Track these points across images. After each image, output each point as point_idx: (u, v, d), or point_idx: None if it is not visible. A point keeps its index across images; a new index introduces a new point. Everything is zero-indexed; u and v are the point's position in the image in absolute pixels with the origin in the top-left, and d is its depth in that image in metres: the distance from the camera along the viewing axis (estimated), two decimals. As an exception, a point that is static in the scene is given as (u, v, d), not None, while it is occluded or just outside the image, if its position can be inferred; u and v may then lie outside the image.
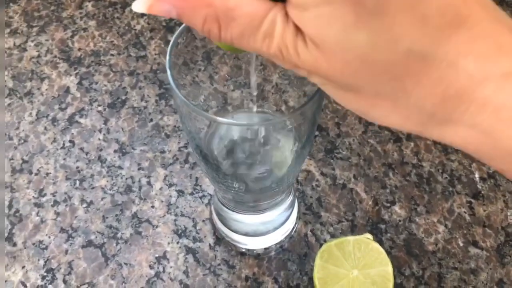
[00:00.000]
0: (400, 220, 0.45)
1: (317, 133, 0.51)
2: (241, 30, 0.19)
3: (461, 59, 0.17)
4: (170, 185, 0.47)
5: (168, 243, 0.44)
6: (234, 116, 0.39)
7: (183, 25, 0.30)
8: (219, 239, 0.44)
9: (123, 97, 0.54)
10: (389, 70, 0.18)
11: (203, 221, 0.45)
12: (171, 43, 0.29)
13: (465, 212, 0.46)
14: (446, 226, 0.45)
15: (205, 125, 0.33)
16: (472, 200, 0.46)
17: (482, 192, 0.47)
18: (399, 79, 0.18)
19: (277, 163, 0.37)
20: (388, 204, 0.46)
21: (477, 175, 0.48)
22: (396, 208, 0.46)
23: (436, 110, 0.19)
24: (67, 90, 0.54)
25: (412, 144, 0.50)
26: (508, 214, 0.45)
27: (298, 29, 0.19)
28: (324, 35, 0.18)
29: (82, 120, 0.52)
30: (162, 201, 0.46)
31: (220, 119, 0.27)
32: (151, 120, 0.52)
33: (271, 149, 0.36)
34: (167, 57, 0.28)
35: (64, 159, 0.49)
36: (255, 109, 0.35)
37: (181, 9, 0.20)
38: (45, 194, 0.47)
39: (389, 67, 0.18)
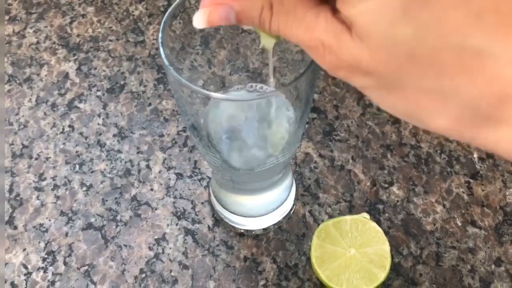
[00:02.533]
0: (398, 201, 0.45)
1: (315, 115, 0.51)
2: (287, 18, 0.20)
3: None
4: (169, 168, 0.48)
5: (167, 225, 0.44)
6: (230, 94, 0.39)
7: (177, 1, 0.31)
8: (218, 221, 0.45)
9: (122, 82, 0.54)
10: (438, 65, 0.17)
11: (202, 203, 0.46)
12: (164, 19, 0.29)
13: (463, 192, 0.46)
14: (444, 206, 0.45)
15: (200, 103, 0.33)
16: (471, 180, 0.46)
17: (481, 172, 0.47)
18: (449, 75, 0.17)
19: (273, 142, 0.37)
20: (386, 185, 0.46)
21: (475, 156, 0.48)
22: (394, 188, 0.46)
23: (493, 111, 0.17)
24: (66, 76, 0.55)
25: (411, 125, 0.50)
26: (507, 193, 0.45)
27: (343, 24, 0.19)
28: (371, 29, 0.18)
29: (81, 105, 0.52)
30: (161, 184, 0.47)
31: (213, 94, 0.27)
32: (150, 104, 0.52)
33: (267, 128, 0.36)
34: (160, 34, 0.29)
35: (64, 143, 0.50)
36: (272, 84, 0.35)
37: (239, 6, 0.22)
38: (45, 178, 0.47)
39: (437, 62, 0.17)
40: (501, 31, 0.16)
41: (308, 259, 0.42)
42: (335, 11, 0.19)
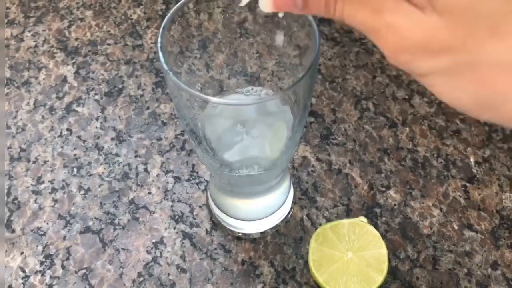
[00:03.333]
0: (395, 204, 0.45)
1: (312, 119, 0.51)
2: (353, 1, 0.20)
3: None
4: (167, 172, 0.48)
5: (165, 229, 0.45)
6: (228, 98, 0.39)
7: (176, 7, 0.31)
8: (216, 224, 0.45)
9: (120, 86, 0.54)
10: None
11: (200, 206, 0.46)
12: (163, 24, 0.29)
13: (460, 196, 0.46)
14: (441, 209, 0.45)
15: (198, 107, 0.34)
16: (467, 184, 0.47)
17: (477, 176, 0.47)
18: None
19: (270, 146, 0.37)
20: (383, 189, 0.46)
21: (472, 160, 0.48)
22: (391, 192, 0.46)
23: None
24: (64, 79, 0.55)
25: (408, 129, 0.50)
26: (503, 197, 0.46)
27: (412, 5, 0.18)
28: (454, 3, 0.17)
29: (79, 109, 0.52)
30: (159, 188, 0.47)
31: (211, 98, 0.27)
32: (148, 108, 0.52)
33: (265, 132, 0.36)
34: (159, 39, 0.29)
35: (62, 147, 0.50)
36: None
37: None
38: (43, 182, 0.47)
39: None
40: None
41: (306, 262, 0.42)
42: None
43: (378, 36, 0.19)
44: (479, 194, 0.46)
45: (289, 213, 0.45)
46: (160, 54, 0.28)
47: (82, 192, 0.47)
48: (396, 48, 0.19)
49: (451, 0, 0.17)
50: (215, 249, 0.43)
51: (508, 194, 0.46)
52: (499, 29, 0.17)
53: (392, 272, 0.42)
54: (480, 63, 0.18)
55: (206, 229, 0.44)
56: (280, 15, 0.26)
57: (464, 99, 0.19)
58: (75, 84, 0.54)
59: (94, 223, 0.45)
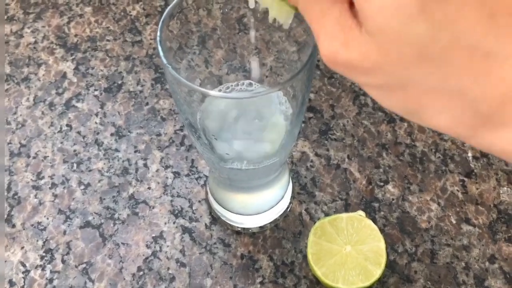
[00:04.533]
0: (393, 199, 0.46)
1: (311, 114, 0.51)
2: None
3: None
4: (166, 167, 0.48)
5: (165, 223, 0.45)
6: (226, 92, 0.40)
7: (174, 2, 0.31)
8: (215, 219, 0.45)
9: (119, 82, 0.54)
10: (447, 66, 0.17)
11: (199, 201, 0.46)
12: (162, 18, 0.30)
13: (457, 190, 0.46)
14: (439, 204, 0.45)
15: (197, 101, 0.34)
16: (465, 179, 0.47)
17: (475, 170, 0.47)
18: (457, 76, 0.17)
19: (269, 140, 0.37)
20: (382, 183, 0.47)
21: (470, 154, 0.48)
22: (390, 187, 0.46)
23: (493, 113, 0.17)
24: (64, 76, 0.55)
25: (406, 124, 0.50)
26: (501, 192, 0.46)
27: (354, 19, 0.19)
28: (385, 25, 0.17)
29: (79, 105, 0.53)
30: (158, 183, 0.47)
31: (209, 91, 0.27)
32: (147, 103, 0.52)
33: (264, 126, 0.37)
34: (158, 33, 0.29)
35: (62, 142, 0.50)
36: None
37: None
38: (43, 177, 0.48)
39: (447, 62, 0.17)
40: (510, 33, 0.16)
41: (305, 256, 0.43)
42: (352, 4, 0.19)
43: (319, 41, 0.20)
44: (477, 189, 0.46)
45: (288, 207, 0.45)
46: (159, 48, 0.28)
47: (82, 187, 0.47)
48: (333, 60, 0.19)
49: (382, 23, 0.17)
50: (215, 243, 0.44)
51: (505, 188, 0.46)
52: (427, 54, 0.17)
53: (390, 265, 0.42)
54: (408, 85, 0.19)
55: (206, 224, 0.45)
56: (285, 26, 0.26)
57: (394, 107, 0.20)
58: (75, 80, 0.54)
59: (94, 218, 0.45)
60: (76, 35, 0.58)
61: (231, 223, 0.44)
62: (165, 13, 0.30)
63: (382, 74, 0.19)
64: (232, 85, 0.39)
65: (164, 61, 0.28)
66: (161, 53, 0.28)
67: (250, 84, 0.39)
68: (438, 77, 0.18)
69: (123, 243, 0.44)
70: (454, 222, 0.44)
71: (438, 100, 0.18)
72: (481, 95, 0.17)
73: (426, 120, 0.20)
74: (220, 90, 0.39)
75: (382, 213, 0.45)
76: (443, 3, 0.16)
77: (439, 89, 0.18)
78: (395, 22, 0.17)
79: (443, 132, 0.20)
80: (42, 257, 0.43)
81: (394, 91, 0.19)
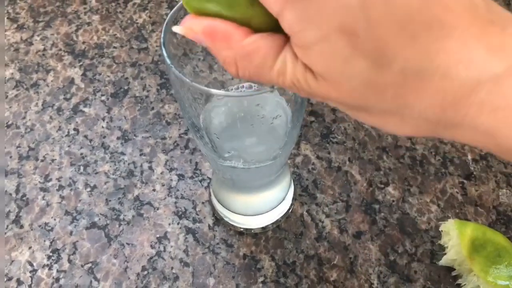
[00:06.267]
0: (393, 201, 0.46)
1: (313, 118, 0.52)
2: (257, 70, 0.22)
3: (453, 69, 0.18)
4: (171, 170, 0.49)
5: (169, 224, 0.46)
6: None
7: (177, 6, 0.32)
8: (218, 220, 0.46)
9: (126, 87, 0.55)
10: (390, 89, 0.19)
11: (203, 203, 0.47)
12: (165, 22, 0.31)
13: (457, 192, 0.47)
14: (438, 205, 0.46)
15: (201, 101, 0.35)
16: (465, 181, 0.48)
17: (474, 173, 0.48)
18: (401, 96, 0.19)
19: (269, 141, 0.38)
20: (382, 185, 0.47)
21: (469, 157, 0.49)
22: (390, 189, 0.47)
23: (440, 118, 0.19)
24: (72, 81, 0.56)
25: (406, 128, 0.51)
26: (500, 193, 0.47)
27: (306, 66, 0.20)
28: (328, 68, 0.19)
29: (86, 109, 0.54)
30: (163, 185, 0.48)
31: (212, 90, 0.28)
32: (153, 108, 0.54)
33: (264, 127, 0.38)
34: (162, 35, 0.30)
35: (69, 146, 0.51)
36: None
37: (208, 43, 0.23)
38: (50, 179, 0.49)
39: (389, 87, 0.19)
40: (434, 48, 0.18)
41: (306, 256, 0.43)
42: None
43: (293, 90, 0.22)
44: (476, 191, 0.47)
45: (289, 209, 0.46)
46: (163, 49, 0.29)
47: (89, 189, 0.48)
48: (311, 97, 0.22)
49: (326, 67, 0.19)
50: (217, 243, 0.45)
51: (504, 190, 0.47)
52: (371, 83, 0.19)
53: (391, 266, 0.43)
54: (368, 109, 0.21)
55: (209, 225, 0.46)
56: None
57: (368, 124, 0.23)
58: (82, 85, 0.56)
59: (99, 219, 0.46)
60: (84, 42, 0.60)
61: (233, 224, 0.45)
62: (168, 16, 0.31)
63: (345, 104, 0.21)
64: (232, 88, 0.40)
65: (168, 61, 0.29)
66: (164, 54, 0.29)
67: (250, 86, 0.40)
68: (387, 99, 0.20)
69: (128, 244, 0.45)
70: (453, 223, 0.45)
71: (395, 116, 0.21)
72: (424, 107, 0.19)
73: (394, 132, 0.22)
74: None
75: (382, 214, 0.46)
76: (370, 39, 0.18)
77: (392, 109, 0.20)
78: (336, 64, 0.19)
79: (417, 137, 0.22)
80: (49, 257, 0.44)
81: (361, 113, 0.22)
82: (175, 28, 0.24)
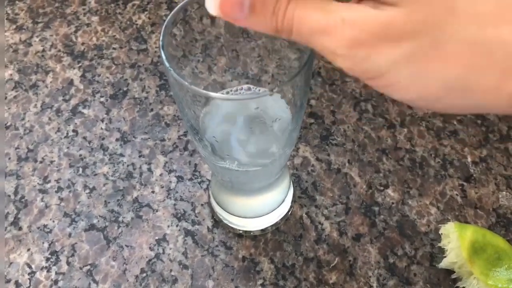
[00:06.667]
0: (393, 203, 0.46)
1: (312, 120, 0.52)
2: (305, 4, 0.20)
3: None
4: (170, 171, 0.49)
5: (168, 226, 0.46)
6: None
7: (177, 8, 0.32)
8: (217, 222, 0.46)
9: (125, 89, 0.55)
10: (480, 16, 0.18)
11: (202, 205, 0.47)
12: (164, 24, 0.31)
13: (457, 194, 0.47)
14: (438, 208, 0.46)
15: (200, 104, 0.35)
16: (464, 183, 0.47)
17: (474, 175, 0.48)
18: (492, 24, 0.18)
19: (268, 143, 0.38)
20: (382, 188, 0.47)
21: (469, 159, 0.49)
22: (389, 191, 0.47)
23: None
24: (71, 83, 0.56)
25: (406, 130, 0.51)
26: (499, 196, 0.47)
27: (365, 4, 0.19)
28: None
29: (85, 111, 0.54)
30: (162, 187, 0.48)
31: (211, 93, 0.28)
32: (152, 110, 0.53)
33: (263, 129, 0.37)
34: (161, 37, 0.30)
35: (68, 147, 0.51)
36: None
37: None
38: (49, 181, 0.49)
39: (479, 13, 0.18)
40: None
41: (305, 259, 0.43)
42: None
43: (333, 33, 0.19)
44: (476, 193, 0.47)
45: (289, 211, 0.46)
46: (162, 52, 0.29)
47: (87, 191, 0.48)
48: (354, 43, 0.19)
49: None
50: (217, 246, 0.44)
51: (504, 192, 0.47)
52: (457, 8, 0.18)
53: (390, 268, 0.43)
54: (442, 41, 0.18)
55: (208, 227, 0.45)
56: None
57: (431, 86, 0.19)
58: (81, 87, 0.56)
59: (98, 221, 0.46)
60: (83, 44, 0.60)
61: (233, 226, 0.45)
62: (167, 20, 0.31)
63: (411, 37, 0.18)
64: (231, 90, 0.40)
65: (166, 64, 0.29)
66: (163, 57, 0.29)
67: (249, 88, 0.40)
68: (474, 28, 0.18)
69: (127, 246, 0.45)
70: (453, 225, 0.45)
71: (480, 54, 0.18)
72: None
73: (474, 86, 0.19)
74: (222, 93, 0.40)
75: (382, 216, 0.46)
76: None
77: (478, 41, 0.18)
78: None
79: (489, 100, 0.19)
80: (47, 259, 0.44)
81: (428, 55, 0.18)
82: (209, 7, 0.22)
